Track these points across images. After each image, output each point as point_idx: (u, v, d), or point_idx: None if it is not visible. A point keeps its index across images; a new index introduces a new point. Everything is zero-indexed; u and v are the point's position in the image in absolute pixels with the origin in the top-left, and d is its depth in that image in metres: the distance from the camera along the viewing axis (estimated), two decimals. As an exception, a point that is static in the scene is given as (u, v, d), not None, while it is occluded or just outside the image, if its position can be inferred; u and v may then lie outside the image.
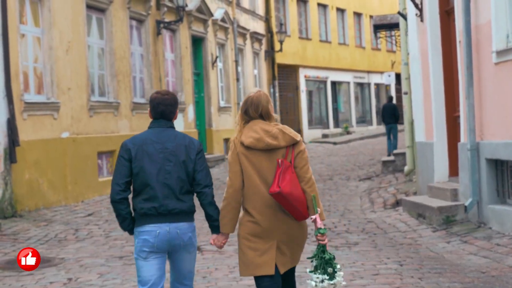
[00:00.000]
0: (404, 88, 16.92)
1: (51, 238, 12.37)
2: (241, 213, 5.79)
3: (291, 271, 5.94)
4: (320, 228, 5.57)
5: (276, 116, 5.84)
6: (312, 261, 5.60)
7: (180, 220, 5.70)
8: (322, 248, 5.57)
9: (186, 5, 22.52)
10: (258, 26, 33.37)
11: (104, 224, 13.90)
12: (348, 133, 40.12)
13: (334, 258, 5.59)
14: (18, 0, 15.06)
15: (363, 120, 44.05)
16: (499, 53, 10.29)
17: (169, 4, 22.39)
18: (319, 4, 39.30)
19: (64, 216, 14.85)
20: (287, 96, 36.11)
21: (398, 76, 37.40)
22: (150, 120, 5.94)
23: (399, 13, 16.48)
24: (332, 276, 5.51)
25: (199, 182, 5.75)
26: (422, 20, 13.62)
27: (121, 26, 19.46)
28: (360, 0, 43.43)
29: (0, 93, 14.26)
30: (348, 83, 42.29)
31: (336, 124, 40.66)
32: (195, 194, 5.81)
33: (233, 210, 5.73)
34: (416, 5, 13.64)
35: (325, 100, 39.98)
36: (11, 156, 14.34)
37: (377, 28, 23.89)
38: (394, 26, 22.39)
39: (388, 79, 35.92)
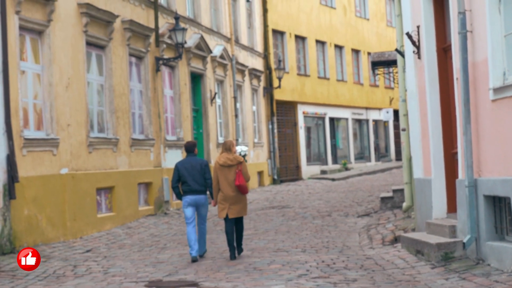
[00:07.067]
0: (402, 124, 16.95)
1: (50, 274, 12.35)
2: (219, 191, 13.40)
3: (240, 218, 13.59)
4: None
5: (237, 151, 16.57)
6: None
7: (199, 194, 13.47)
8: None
9: (185, 42, 22.67)
10: (257, 63, 33.55)
11: (102, 261, 13.87)
12: (347, 169, 40.12)
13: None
14: (18, 36, 15.19)
15: (361, 156, 44.07)
16: (496, 90, 10.36)
17: (168, 41, 22.55)
18: (317, 41, 39.54)
19: (62, 252, 14.84)
20: (286, 132, 36.20)
21: (396, 113, 37.54)
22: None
23: (396, 50, 16.57)
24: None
25: (206, 177, 13.50)
26: (419, 57, 13.71)
27: (120, 63, 19.59)
28: (358, 37, 43.69)
29: (0, 129, 14.32)
30: (347, 119, 42.38)
31: (335, 160, 40.68)
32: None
33: (217, 191, 13.41)
34: (413, 43, 13.74)
35: (323, 136, 40.05)
36: (10, 192, 14.36)
37: (375, 65, 23.97)
38: (392, 63, 22.48)
39: (386, 116, 36.05)
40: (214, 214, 20.31)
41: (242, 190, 13.31)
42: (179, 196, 13.60)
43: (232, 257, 13.15)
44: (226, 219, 13.38)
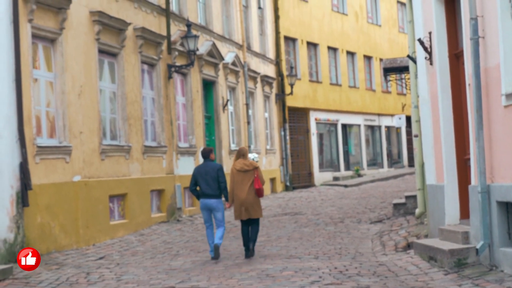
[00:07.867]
0: (414, 130, 16.94)
1: (63, 282, 12.38)
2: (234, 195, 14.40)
3: (256, 220, 14.52)
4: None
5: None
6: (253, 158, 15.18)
7: (211, 198, 14.35)
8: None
9: (197, 49, 22.71)
10: (269, 70, 33.58)
11: (115, 268, 13.90)
12: (359, 175, 40.08)
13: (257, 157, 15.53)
14: (31, 45, 15.25)
15: (374, 162, 44.01)
16: (508, 96, 10.33)
17: (180, 48, 22.59)
18: (329, 48, 39.54)
19: (75, 260, 14.87)
20: (298, 139, 36.20)
21: (408, 119, 37.47)
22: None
23: (408, 56, 16.56)
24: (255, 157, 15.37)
25: (220, 181, 14.37)
26: (431, 63, 13.70)
27: (132, 70, 19.64)
28: (370, 43, 43.67)
29: (13, 137, 14.39)
30: (359, 125, 42.35)
31: (347, 167, 40.64)
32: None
33: (232, 195, 14.39)
34: (425, 49, 13.72)
35: (335, 143, 40.03)
36: (23, 199, 14.41)
37: (387, 71, 23.97)
38: (404, 69, 22.49)
39: (398, 122, 35.97)
40: (227, 221, 20.33)
41: (259, 192, 14.45)
42: (198, 197, 14.72)
43: (247, 255, 14.33)
44: (242, 221, 14.56)
